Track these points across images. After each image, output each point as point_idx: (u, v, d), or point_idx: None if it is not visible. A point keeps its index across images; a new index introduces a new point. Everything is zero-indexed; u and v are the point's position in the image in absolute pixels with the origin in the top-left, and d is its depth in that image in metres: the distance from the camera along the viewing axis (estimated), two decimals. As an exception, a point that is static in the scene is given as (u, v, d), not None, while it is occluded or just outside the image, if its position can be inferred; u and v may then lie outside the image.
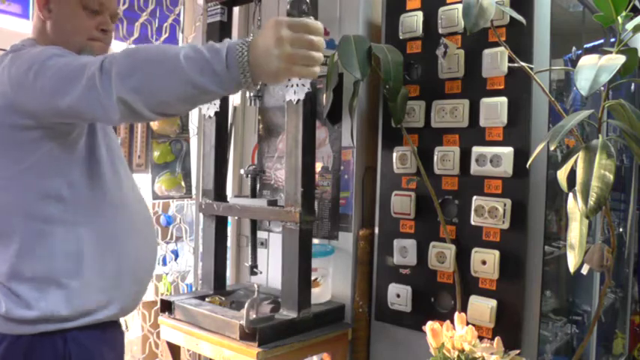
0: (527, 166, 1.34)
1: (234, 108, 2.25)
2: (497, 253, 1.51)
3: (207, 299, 1.83)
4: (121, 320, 1.38)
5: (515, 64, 1.41)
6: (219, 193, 1.93)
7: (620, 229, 2.60)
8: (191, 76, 0.96)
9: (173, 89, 0.98)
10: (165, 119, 2.22)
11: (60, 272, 1.17)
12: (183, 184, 2.31)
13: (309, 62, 0.98)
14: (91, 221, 1.21)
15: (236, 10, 2.07)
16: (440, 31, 1.63)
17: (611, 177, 1.11)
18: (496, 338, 1.28)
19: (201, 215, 2.04)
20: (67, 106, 1.04)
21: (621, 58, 1.16)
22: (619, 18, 1.24)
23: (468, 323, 1.32)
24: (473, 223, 1.55)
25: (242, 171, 1.98)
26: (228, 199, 1.93)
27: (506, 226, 1.49)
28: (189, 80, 0.96)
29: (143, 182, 2.24)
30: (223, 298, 1.86)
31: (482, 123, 1.55)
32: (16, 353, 1.15)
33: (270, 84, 1.24)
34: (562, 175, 1.26)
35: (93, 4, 1.24)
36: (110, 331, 1.28)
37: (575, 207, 1.24)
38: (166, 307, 1.82)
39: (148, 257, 1.36)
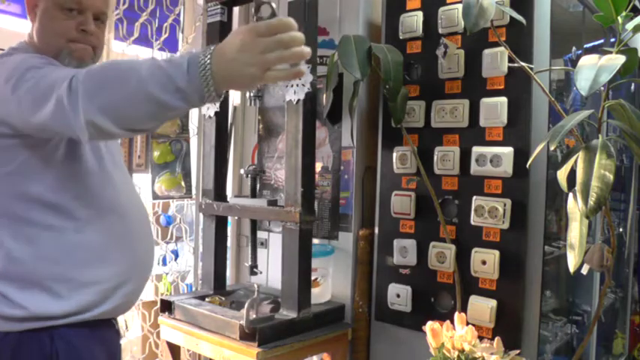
0: (527, 166, 1.34)
1: (234, 108, 2.25)
2: (497, 253, 1.51)
3: (207, 299, 1.83)
4: (120, 319, 1.38)
5: (515, 64, 1.41)
6: (219, 193, 1.93)
7: (620, 229, 2.60)
8: (154, 94, 0.94)
9: (138, 108, 0.96)
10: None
11: (45, 275, 1.17)
12: (183, 184, 2.31)
13: (286, 62, 0.94)
14: (78, 226, 1.20)
15: (236, 10, 2.07)
16: (440, 31, 1.63)
17: (611, 177, 1.11)
18: (496, 338, 1.28)
19: (201, 215, 2.04)
20: (41, 122, 1.04)
21: (621, 58, 1.16)
22: (619, 18, 1.24)
23: (468, 323, 1.32)
24: (473, 223, 1.55)
25: (242, 171, 1.98)
26: (228, 199, 1.93)
27: (506, 226, 1.49)
28: (153, 98, 0.94)
29: (143, 182, 2.24)
30: (223, 298, 1.86)
31: (482, 123, 1.55)
32: (4, 350, 1.15)
33: (242, 90, 1.22)
34: (562, 175, 1.26)
35: (69, 3, 1.22)
36: (101, 329, 1.27)
37: (575, 207, 1.24)
38: (166, 307, 1.82)
39: (143, 258, 1.35)
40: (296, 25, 0.94)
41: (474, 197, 1.55)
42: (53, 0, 1.23)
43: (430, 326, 1.30)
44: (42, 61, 1.13)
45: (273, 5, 1.39)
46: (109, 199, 1.27)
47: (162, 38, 2.39)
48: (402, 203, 1.70)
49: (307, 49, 0.94)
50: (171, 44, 2.44)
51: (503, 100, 1.51)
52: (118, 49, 2.22)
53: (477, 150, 1.55)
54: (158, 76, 0.94)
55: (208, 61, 0.93)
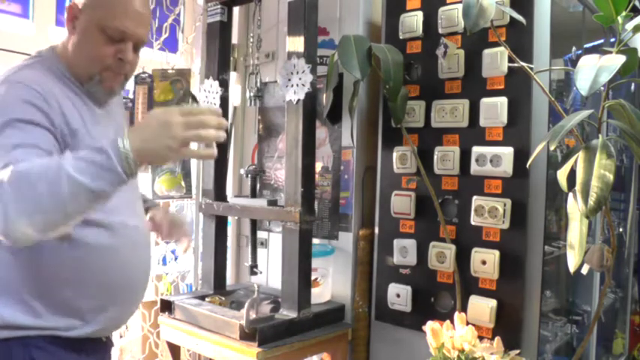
0: (527, 166, 1.34)
1: (234, 108, 2.25)
2: (497, 253, 1.50)
3: (207, 299, 1.83)
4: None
5: (515, 64, 1.40)
6: (219, 193, 1.93)
7: (620, 229, 2.60)
8: (83, 184, 0.96)
9: (69, 205, 0.97)
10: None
11: (22, 289, 1.14)
12: (183, 184, 2.31)
13: (202, 141, 1.02)
14: (60, 245, 1.16)
15: (236, 10, 2.07)
16: (440, 31, 1.63)
17: (611, 177, 1.11)
18: (496, 338, 1.28)
19: (201, 215, 2.04)
20: None
21: (621, 58, 1.16)
22: (619, 18, 1.24)
23: (468, 323, 1.32)
24: (473, 223, 1.55)
25: (242, 171, 1.98)
26: (228, 199, 1.93)
27: (506, 226, 1.49)
28: (83, 188, 0.96)
29: (143, 182, 2.24)
30: (223, 298, 1.86)
31: (482, 123, 1.55)
32: None
33: (156, 164, 1.27)
34: (562, 175, 1.26)
35: (113, 32, 1.18)
36: (84, 343, 1.22)
37: (575, 207, 1.24)
38: (166, 307, 1.82)
39: (133, 278, 1.30)
40: (219, 111, 1.06)
41: (474, 197, 1.55)
42: (97, 22, 1.18)
43: (430, 326, 1.30)
44: (26, 112, 1.07)
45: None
46: (94, 220, 1.20)
47: (162, 38, 2.39)
48: (402, 203, 1.70)
49: (222, 134, 1.04)
50: (171, 44, 2.44)
51: (503, 100, 1.51)
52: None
53: (477, 150, 1.55)
54: (83, 167, 0.96)
55: (126, 138, 0.99)
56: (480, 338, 1.30)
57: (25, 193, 0.96)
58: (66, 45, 1.23)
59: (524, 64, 1.38)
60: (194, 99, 1.65)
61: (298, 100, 1.64)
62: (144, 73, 2.20)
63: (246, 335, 1.55)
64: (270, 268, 2.06)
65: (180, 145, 1.00)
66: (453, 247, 1.58)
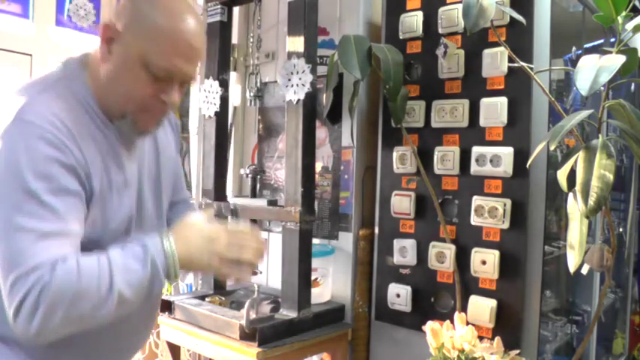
0: (527, 166, 1.34)
1: (234, 108, 2.25)
2: (497, 253, 1.51)
3: (207, 299, 1.83)
4: None
5: (515, 64, 1.40)
6: (219, 193, 1.93)
7: (620, 229, 2.60)
8: (131, 301, 0.95)
9: (112, 314, 0.94)
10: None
11: (23, 350, 1.03)
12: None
13: (239, 263, 1.04)
14: None
15: (236, 10, 2.07)
16: (440, 31, 1.63)
17: (611, 177, 1.11)
18: (496, 338, 1.28)
19: (201, 215, 2.03)
20: None
21: (621, 58, 1.16)
22: (619, 18, 1.24)
23: (468, 323, 1.32)
24: (473, 223, 1.55)
25: (242, 171, 1.98)
26: (228, 199, 1.93)
27: (506, 226, 1.49)
28: (131, 303, 0.95)
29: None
30: (223, 298, 1.86)
31: (482, 123, 1.55)
32: None
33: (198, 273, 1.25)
34: (562, 175, 1.26)
35: (157, 71, 0.98)
36: None
37: (575, 207, 1.24)
38: (166, 306, 1.82)
39: (145, 329, 1.24)
40: (260, 235, 1.10)
41: (474, 197, 1.55)
42: (139, 54, 0.98)
43: (430, 326, 1.30)
44: (45, 184, 0.92)
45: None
46: None
47: (162, 38, 2.38)
48: (402, 203, 1.70)
49: (259, 265, 1.06)
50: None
51: (503, 100, 1.51)
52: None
53: (476, 150, 1.55)
54: (138, 286, 0.95)
55: (173, 246, 0.99)
56: (480, 338, 1.30)
57: (73, 304, 0.89)
58: (97, 66, 1.04)
59: (524, 64, 1.38)
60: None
61: (298, 100, 1.64)
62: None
63: (246, 335, 1.55)
64: (270, 268, 2.06)
65: (219, 262, 1.02)
66: (453, 247, 1.58)
